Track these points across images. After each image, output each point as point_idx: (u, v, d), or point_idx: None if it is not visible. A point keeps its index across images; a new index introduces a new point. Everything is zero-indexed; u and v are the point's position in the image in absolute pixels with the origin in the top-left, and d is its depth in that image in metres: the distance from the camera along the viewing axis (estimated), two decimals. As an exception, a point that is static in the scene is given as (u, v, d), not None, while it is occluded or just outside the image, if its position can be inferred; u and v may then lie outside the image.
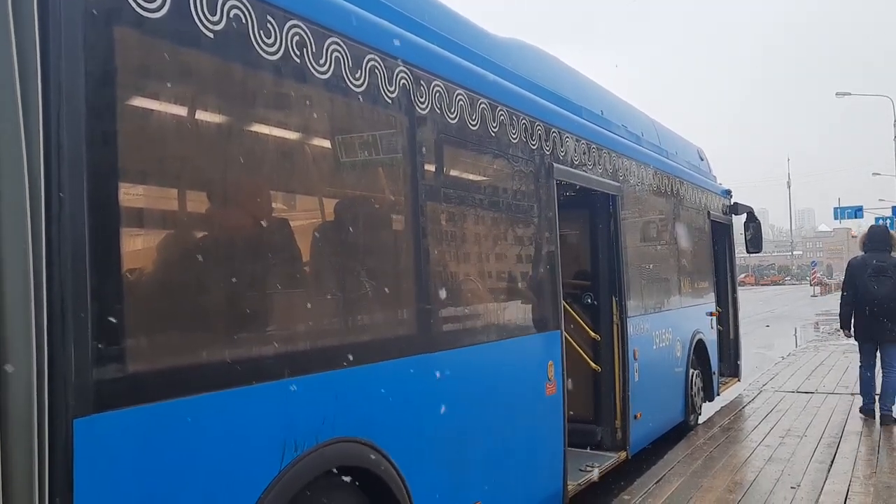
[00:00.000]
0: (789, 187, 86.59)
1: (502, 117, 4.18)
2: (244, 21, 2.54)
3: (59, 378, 1.92)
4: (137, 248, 2.25)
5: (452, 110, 3.72)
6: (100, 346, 2.01)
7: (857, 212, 33.12)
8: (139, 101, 2.27)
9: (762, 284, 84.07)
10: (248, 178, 2.63)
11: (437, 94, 3.60)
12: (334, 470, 2.82)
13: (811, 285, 57.01)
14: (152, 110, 2.31)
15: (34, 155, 1.92)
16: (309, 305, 2.86)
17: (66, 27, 1.98)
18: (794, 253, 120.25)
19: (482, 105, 3.98)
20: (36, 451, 1.88)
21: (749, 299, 35.58)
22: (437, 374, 3.49)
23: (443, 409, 3.50)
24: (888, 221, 28.14)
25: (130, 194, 2.20)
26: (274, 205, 2.79)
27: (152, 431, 2.15)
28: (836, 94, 34.20)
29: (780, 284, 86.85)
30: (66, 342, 1.93)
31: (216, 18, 2.43)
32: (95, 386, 1.99)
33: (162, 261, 2.33)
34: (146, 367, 2.18)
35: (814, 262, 74.76)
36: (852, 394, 8.86)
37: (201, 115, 2.49)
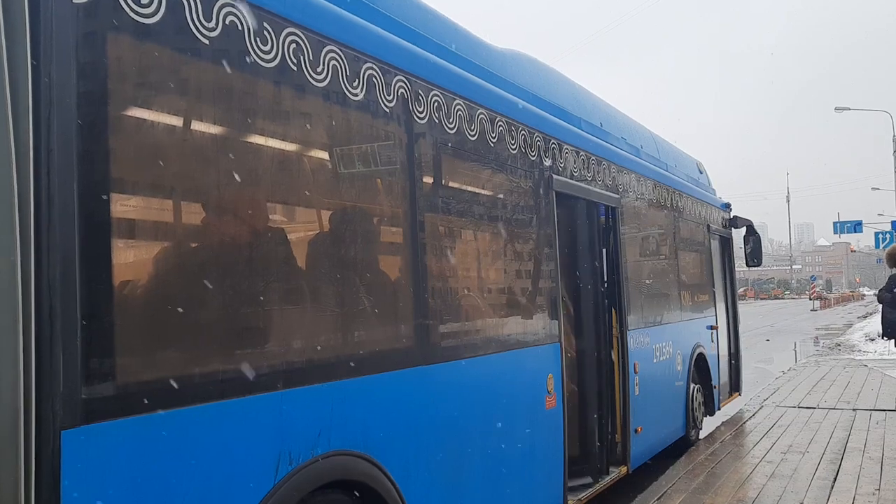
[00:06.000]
0: (788, 201, 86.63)
1: (501, 128, 4.16)
2: (240, 28, 2.51)
3: (47, 388, 1.88)
4: (129, 257, 2.20)
5: (451, 120, 3.69)
6: (89, 355, 1.97)
7: (856, 226, 33.14)
8: (132, 108, 2.23)
9: (762, 298, 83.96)
10: (241, 187, 2.60)
11: (436, 104, 3.57)
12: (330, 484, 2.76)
13: (811, 299, 56.94)
14: (145, 117, 2.28)
15: (24, 162, 1.89)
16: (304, 316, 2.82)
17: (58, 31, 1.96)
18: (794, 267, 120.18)
19: (481, 115, 3.96)
20: (22, 463, 1.84)
21: (749, 313, 35.56)
22: (436, 387, 3.45)
23: (441, 423, 3.45)
24: (888, 236, 28.13)
25: (122, 203, 2.16)
26: (268, 215, 2.75)
27: (143, 444, 2.10)
28: (836, 108, 34.33)
29: (780, 299, 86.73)
30: (54, 351, 1.89)
31: (211, 24, 2.40)
32: (84, 396, 1.95)
33: (153, 270, 2.28)
34: (137, 377, 2.13)
35: (813, 276, 74.74)
36: (854, 409, 8.80)
37: (195, 123, 2.46)
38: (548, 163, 4.69)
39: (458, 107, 3.76)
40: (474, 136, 3.90)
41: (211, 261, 2.47)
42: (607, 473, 5.40)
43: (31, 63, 1.90)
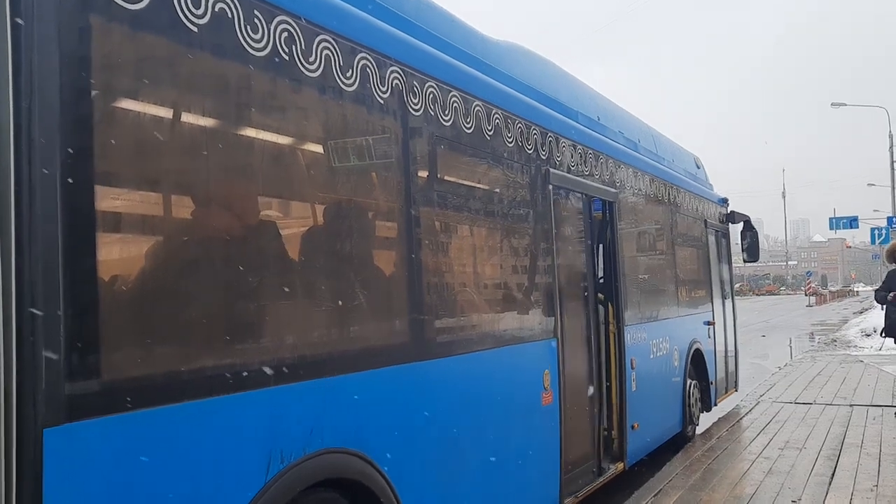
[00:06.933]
0: (784, 197, 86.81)
1: (497, 121, 4.10)
2: (230, 15, 2.45)
3: (29, 385, 1.82)
4: (114, 251, 2.14)
5: (446, 113, 3.63)
6: (72, 351, 1.91)
7: (852, 222, 33.18)
8: (117, 98, 2.17)
9: (757, 294, 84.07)
10: (231, 180, 2.54)
11: (431, 96, 3.51)
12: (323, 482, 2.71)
13: (806, 295, 57.01)
14: (131, 108, 2.22)
15: (4, 153, 1.83)
16: (295, 311, 2.76)
17: (40, 18, 1.89)
18: (789, 263, 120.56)
19: (477, 108, 3.90)
20: (3, 462, 1.79)
21: (744, 309, 35.52)
22: (431, 384, 3.40)
23: (435, 420, 3.40)
24: (884, 232, 28.18)
25: (107, 195, 2.10)
26: (257, 208, 2.69)
27: (128, 443, 2.04)
28: (832, 104, 34.25)
29: (776, 294, 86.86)
30: (36, 346, 1.83)
31: (200, 12, 2.34)
32: (67, 393, 1.89)
33: (139, 264, 2.22)
34: (122, 373, 2.07)
35: (809, 272, 74.85)
36: (851, 405, 8.78)
37: (184, 114, 2.39)
38: (545, 157, 4.63)
39: (454, 99, 3.70)
40: (470, 128, 3.84)
41: (199, 255, 2.41)
42: (604, 470, 5.35)
43: (12, 49, 1.84)
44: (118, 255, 2.17)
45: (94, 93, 2.04)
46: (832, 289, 71.65)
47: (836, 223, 33.57)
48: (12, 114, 1.83)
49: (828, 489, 5.32)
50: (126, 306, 2.15)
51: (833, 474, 5.71)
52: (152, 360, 2.17)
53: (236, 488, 2.36)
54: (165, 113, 2.33)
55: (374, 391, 3.01)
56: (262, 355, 2.51)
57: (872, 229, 30.39)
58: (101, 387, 1.98)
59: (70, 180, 1.94)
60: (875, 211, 41.43)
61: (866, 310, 33.82)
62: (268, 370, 2.50)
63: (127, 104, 2.20)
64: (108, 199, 2.11)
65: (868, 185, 46.08)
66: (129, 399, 2.04)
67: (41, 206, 1.87)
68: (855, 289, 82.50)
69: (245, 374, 2.41)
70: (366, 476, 2.89)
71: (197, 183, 2.43)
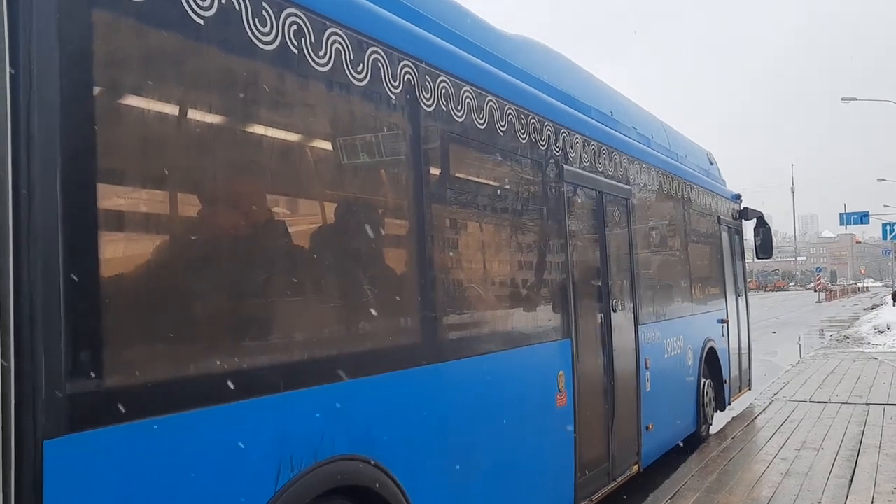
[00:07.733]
0: (793, 192, 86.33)
1: (511, 117, 4.00)
2: (237, 7, 2.35)
3: (28, 394, 1.74)
4: (117, 252, 2.05)
5: (459, 108, 3.54)
6: (73, 359, 1.82)
7: (863, 217, 32.94)
8: (120, 93, 2.08)
9: (767, 290, 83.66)
10: (237, 177, 2.45)
11: (444, 91, 3.41)
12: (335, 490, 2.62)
13: (815, 291, 56.69)
14: (134, 103, 2.13)
15: (2, 150, 1.74)
16: (305, 315, 2.67)
17: (39, 10, 1.81)
18: (798, 259, 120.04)
19: (490, 103, 3.80)
20: (0, 475, 1.70)
21: (753, 305, 35.35)
22: (444, 387, 3.30)
23: (449, 424, 3.31)
24: (895, 227, 27.96)
25: (109, 193, 2.01)
26: (266, 207, 2.59)
27: (131, 454, 1.95)
28: (842, 99, 33.87)
29: (785, 290, 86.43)
30: (35, 354, 1.75)
31: (207, 4, 2.24)
32: (68, 403, 1.80)
33: (143, 267, 2.13)
34: (126, 381, 1.98)
35: (818, 267, 74.44)
36: (867, 403, 8.64)
37: (189, 110, 2.30)
38: (558, 153, 4.53)
39: (467, 94, 3.60)
40: (483, 124, 3.74)
41: (206, 257, 2.32)
42: (618, 472, 5.25)
43: (9, 43, 1.75)
44: (122, 256, 2.08)
45: (95, 88, 1.96)
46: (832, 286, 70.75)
47: (846, 218, 33.34)
48: (10, 110, 1.75)
49: (848, 492, 5.20)
50: (130, 311, 2.06)
51: (852, 476, 5.59)
52: (157, 366, 2.08)
53: (246, 499, 2.28)
54: (170, 109, 2.24)
55: (385, 395, 2.93)
56: (271, 360, 2.43)
57: (884, 224, 30.17)
58: (103, 395, 1.90)
59: (71, 177, 1.86)
60: (885, 206, 41.18)
61: (878, 306, 33.57)
62: (277, 375, 2.41)
63: (130, 100, 2.12)
64: (112, 197, 2.02)
65: (878, 180, 45.80)
66: (133, 408, 1.95)
67: (40, 207, 1.79)
68: (865, 285, 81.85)
69: (255, 379, 2.33)
70: (378, 482, 2.80)
71: (203, 181, 2.34)
